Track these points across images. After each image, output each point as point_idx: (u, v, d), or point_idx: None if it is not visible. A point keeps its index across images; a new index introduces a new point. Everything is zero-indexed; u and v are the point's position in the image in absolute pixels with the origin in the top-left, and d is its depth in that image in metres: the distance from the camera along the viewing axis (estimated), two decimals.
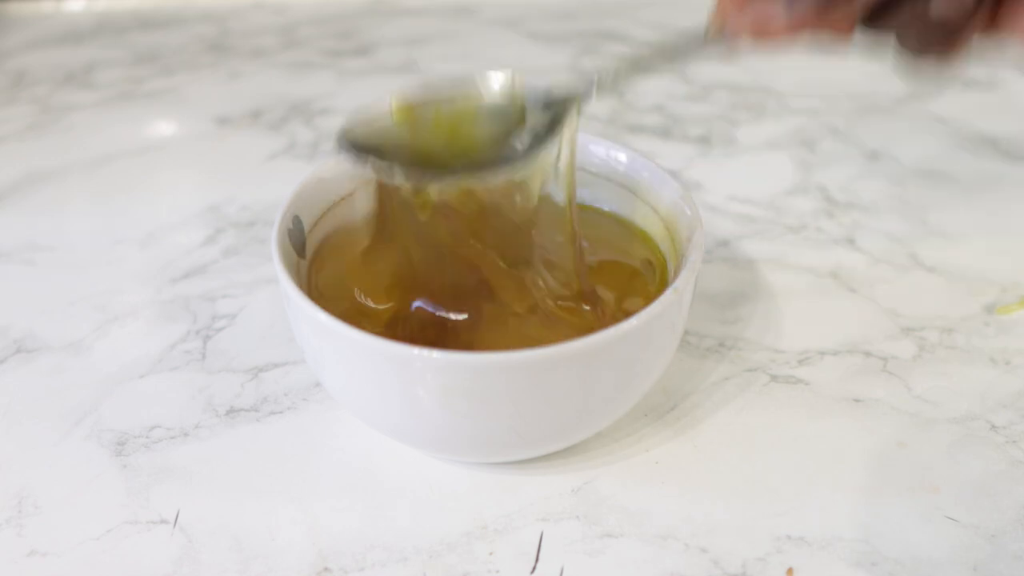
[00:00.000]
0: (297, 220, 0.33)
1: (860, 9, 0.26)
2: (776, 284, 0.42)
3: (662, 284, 0.34)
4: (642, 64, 0.29)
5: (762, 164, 0.51)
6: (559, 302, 0.32)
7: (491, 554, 0.30)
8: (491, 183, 0.31)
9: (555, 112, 0.30)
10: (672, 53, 0.29)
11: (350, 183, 0.36)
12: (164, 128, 0.57)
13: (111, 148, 0.53)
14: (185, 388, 0.36)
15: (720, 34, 0.28)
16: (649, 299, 0.29)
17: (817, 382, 0.36)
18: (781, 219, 0.46)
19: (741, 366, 0.37)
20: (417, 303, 0.32)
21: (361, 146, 0.30)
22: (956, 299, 0.41)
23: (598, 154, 0.37)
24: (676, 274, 0.31)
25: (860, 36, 0.27)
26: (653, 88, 0.59)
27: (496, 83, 0.31)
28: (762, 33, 0.27)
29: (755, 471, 0.33)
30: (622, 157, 0.36)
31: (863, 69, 0.61)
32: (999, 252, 0.43)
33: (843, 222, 0.46)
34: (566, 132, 0.30)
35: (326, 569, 0.30)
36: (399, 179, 0.30)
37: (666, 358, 0.32)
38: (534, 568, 0.30)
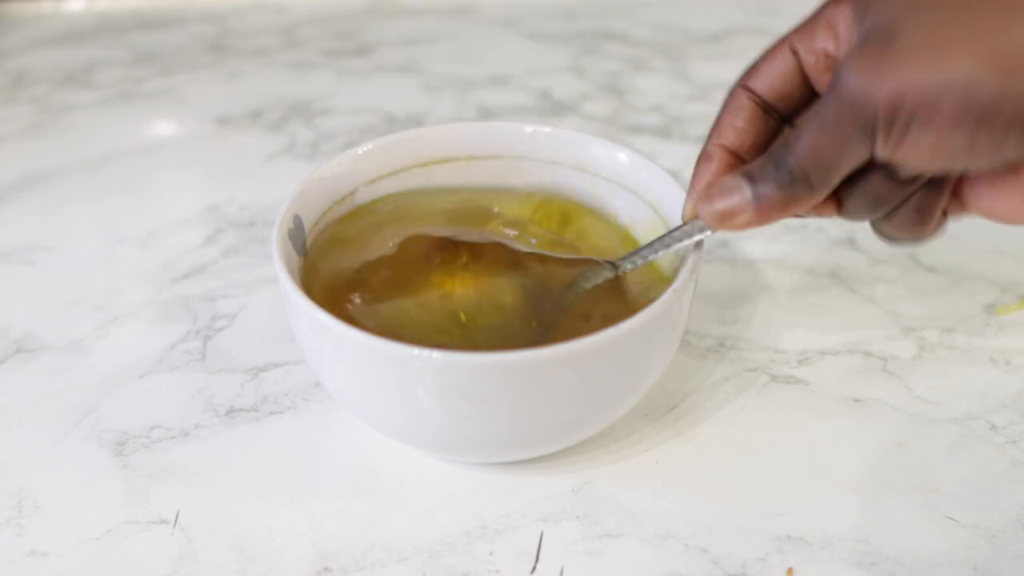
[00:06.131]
0: (298, 220, 0.33)
1: (821, 196, 0.27)
2: (776, 284, 0.42)
3: (661, 285, 0.34)
4: (651, 254, 0.32)
5: None
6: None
7: (491, 554, 0.30)
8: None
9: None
10: (668, 241, 0.31)
11: (350, 183, 0.36)
12: (164, 128, 0.57)
13: (111, 148, 0.53)
14: (185, 388, 0.36)
15: (694, 220, 0.30)
16: (648, 301, 0.29)
17: (817, 382, 0.36)
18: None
19: (741, 366, 0.37)
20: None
21: None
22: (956, 299, 0.41)
23: (598, 154, 0.37)
24: (676, 275, 0.31)
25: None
26: (653, 88, 0.59)
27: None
28: (730, 223, 0.28)
29: (755, 471, 0.33)
30: (622, 157, 0.36)
31: None
32: (999, 252, 0.43)
33: (843, 222, 0.46)
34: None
35: (326, 569, 0.30)
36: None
37: (666, 358, 0.32)
38: (534, 568, 0.30)
